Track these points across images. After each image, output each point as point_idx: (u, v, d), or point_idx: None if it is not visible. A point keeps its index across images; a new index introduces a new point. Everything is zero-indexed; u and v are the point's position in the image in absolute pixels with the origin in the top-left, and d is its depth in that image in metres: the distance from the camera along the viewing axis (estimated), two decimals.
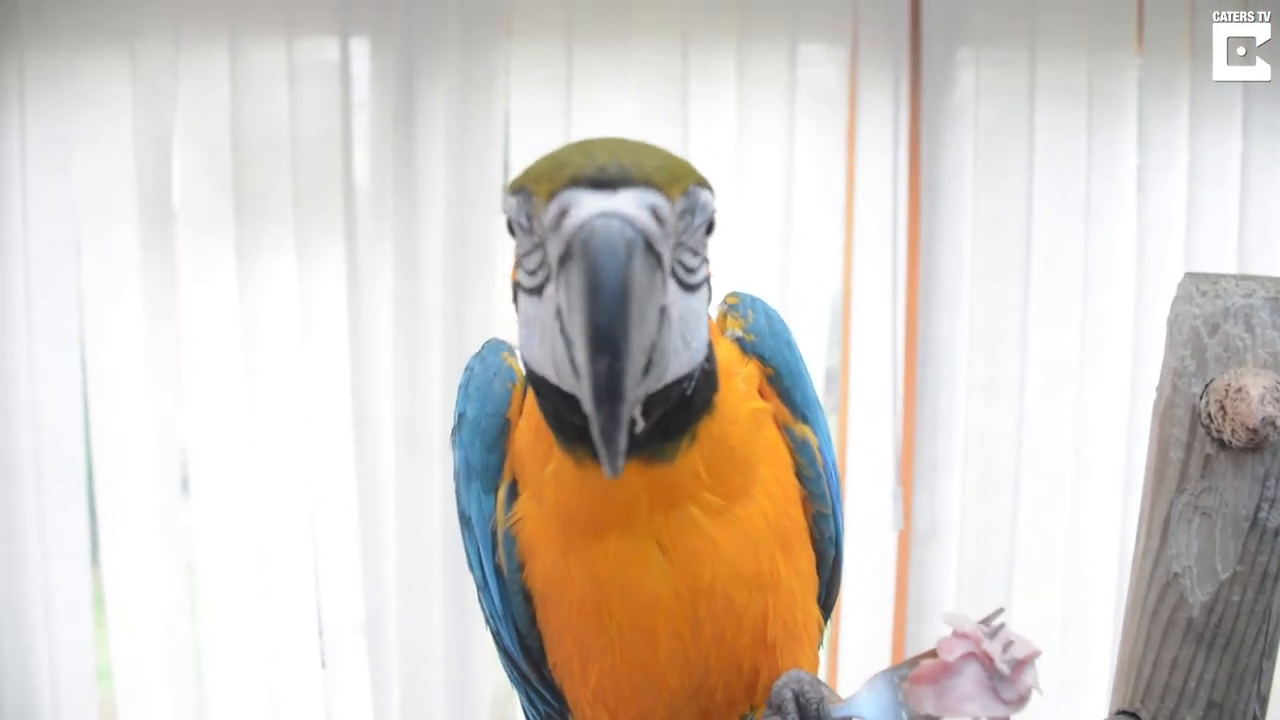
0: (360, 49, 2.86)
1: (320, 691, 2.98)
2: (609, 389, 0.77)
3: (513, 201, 0.86)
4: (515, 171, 2.70)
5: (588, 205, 0.78)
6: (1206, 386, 1.10)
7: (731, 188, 2.88)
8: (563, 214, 0.79)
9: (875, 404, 3.03)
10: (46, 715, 2.88)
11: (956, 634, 0.98)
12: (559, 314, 0.81)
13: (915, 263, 3.06)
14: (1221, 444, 1.09)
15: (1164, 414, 1.15)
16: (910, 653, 3.18)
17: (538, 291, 0.85)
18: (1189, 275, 1.15)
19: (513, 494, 1.05)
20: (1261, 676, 1.15)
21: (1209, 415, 1.09)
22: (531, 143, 2.85)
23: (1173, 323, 1.15)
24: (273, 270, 2.85)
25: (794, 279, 2.94)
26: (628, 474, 0.86)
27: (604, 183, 0.79)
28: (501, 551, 1.06)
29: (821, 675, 3.33)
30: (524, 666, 1.12)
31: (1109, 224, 3.06)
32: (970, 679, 0.95)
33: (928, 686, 0.96)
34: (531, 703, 1.18)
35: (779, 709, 1.00)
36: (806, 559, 1.12)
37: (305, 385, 2.89)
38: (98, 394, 2.83)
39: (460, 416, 1.08)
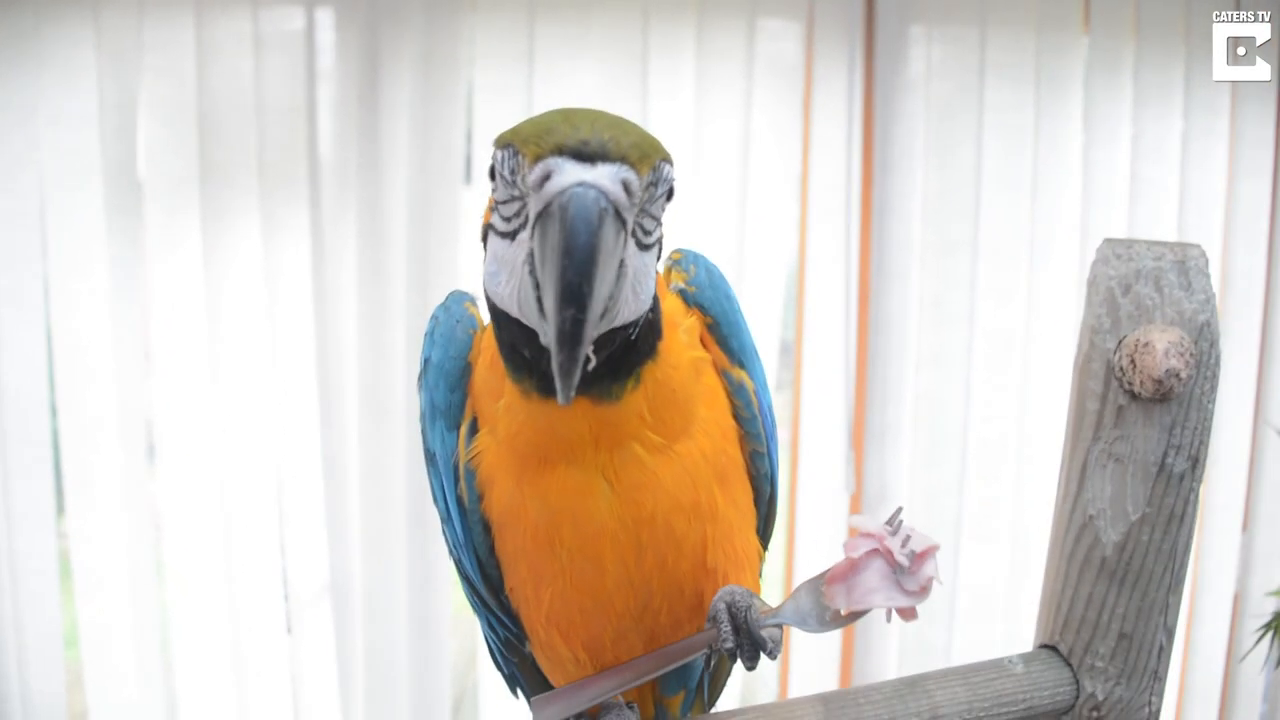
0: (325, 19, 2.87)
1: (286, 656, 3.02)
2: (572, 334, 0.86)
3: (500, 154, 0.95)
4: (479, 141, 2.73)
5: (569, 173, 0.88)
6: (1119, 342, 1.18)
7: (689, 160, 2.94)
8: (546, 177, 0.88)
9: (828, 373, 3.12)
10: (13, 681, 2.90)
11: (861, 534, 1.05)
12: (530, 259, 0.91)
13: (867, 236, 3.14)
14: (1132, 395, 1.18)
15: (1082, 368, 1.23)
16: None
17: (510, 236, 0.95)
18: (1107, 240, 1.23)
19: (473, 431, 1.14)
20: (1168, 610, 1.24)
21: (1121, 369, 1.17)
22: (494, 113, 2.89)
23: (1091, 284, 1.24)
24: (238, 239, 2.86)
25: (749, 251, 3.01)
26: (576, 411, 0.99)
27: (585, 155, 0.88)
28: (463, 484, 1.15)
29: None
30: (484, 592, 1.20)
31: (1054, 199, 3.15)
32: (875, 573, 1.01)
33: (839, 585, 1.03)
34: (491, 627, 1.27)
35: (714, 619, 1.07)
36: (744, 493, 1.20)
37: (270, 353, 2.92)
38: (64, 362, 2.84)
39: (426, 361, 1.17)
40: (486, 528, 1.16)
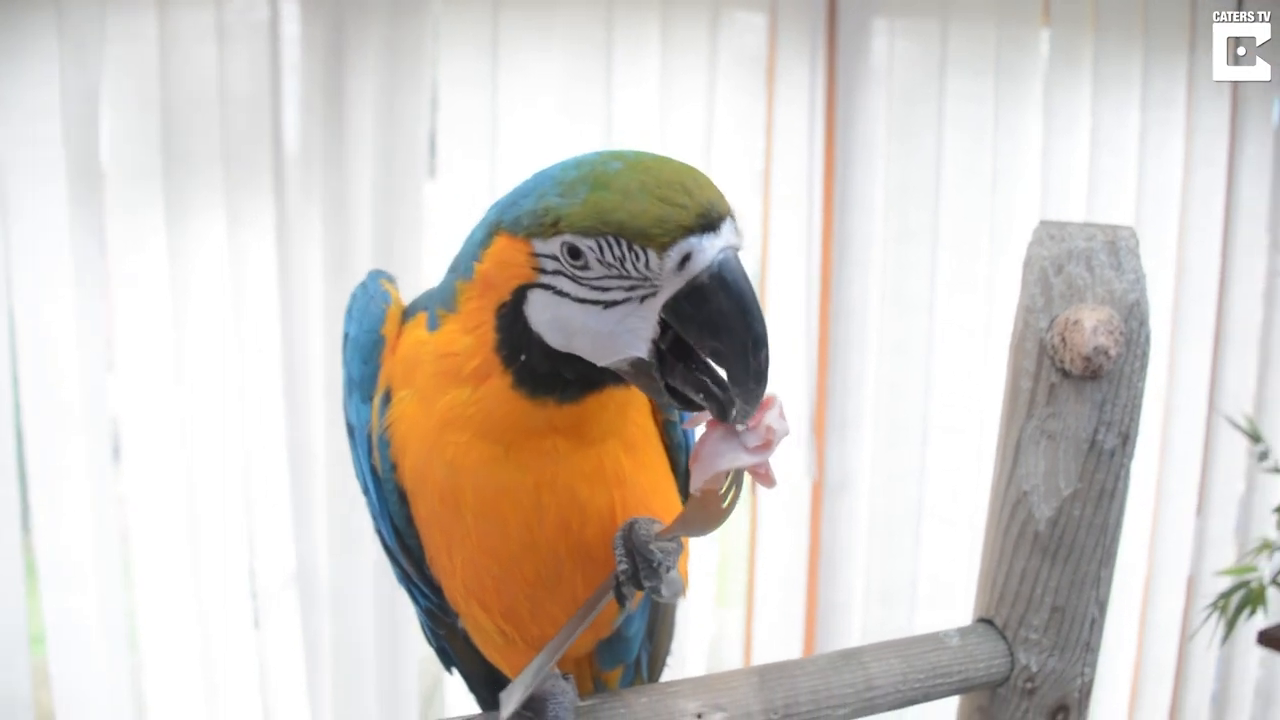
0: (290, 10, 2.85)
1: (253, 650, 3.01)
2: (767, 367, 0.97)
3: (595, 243, 0.97)
4: (444, 133, 2.73)
5: (709, 247, 0.95)
6: (1052, 321, 1.22)
7: (653, 151, 2.94)
8: (686, 258, 0.95)
9: (790, 361, 3.14)
10: None
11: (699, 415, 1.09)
12: (667, 322, 0.98)
13: (829, 225, 3.17)
14: (1064, 373, 1.21)
15: (1016, 347, 1.27)
16: (823, 599, 3.32)
17: (604, 304, 0.99)
18: (1042, 222, 1.26)
19: (386, 403, 1.17)
20: (1099, 584, 1.28)
21: (1053, 347, 1.21)
22: (459, 105, 2.90)
23: (1026, 264, 1.27)
24: (202, 231, 2.84)
25: None
26: (548, 408, 1.06)
27: (712, 224, 0.95)
28: (377, 454, 1.18)
29: (738, 622, 3.44)
30: (404, 562, 1.25)
31: (1014, 189, 3.19)
32: (716, 439, 1.03)
33: (694, 465, 1.04)
34: (415, 599, 1.31)
35: (614, 551, 1.10)
36: (657, 461, 1.23)
37: (236, 345, 2.89)
38: (26, 359, 2.79)
39: (345, 336, 1.21)
40: (403, 497, 1.19)
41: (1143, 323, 1.21)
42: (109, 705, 2.90)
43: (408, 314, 1.20)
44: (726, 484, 1.05)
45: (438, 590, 1.25)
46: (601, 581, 1.12)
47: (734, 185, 3.04)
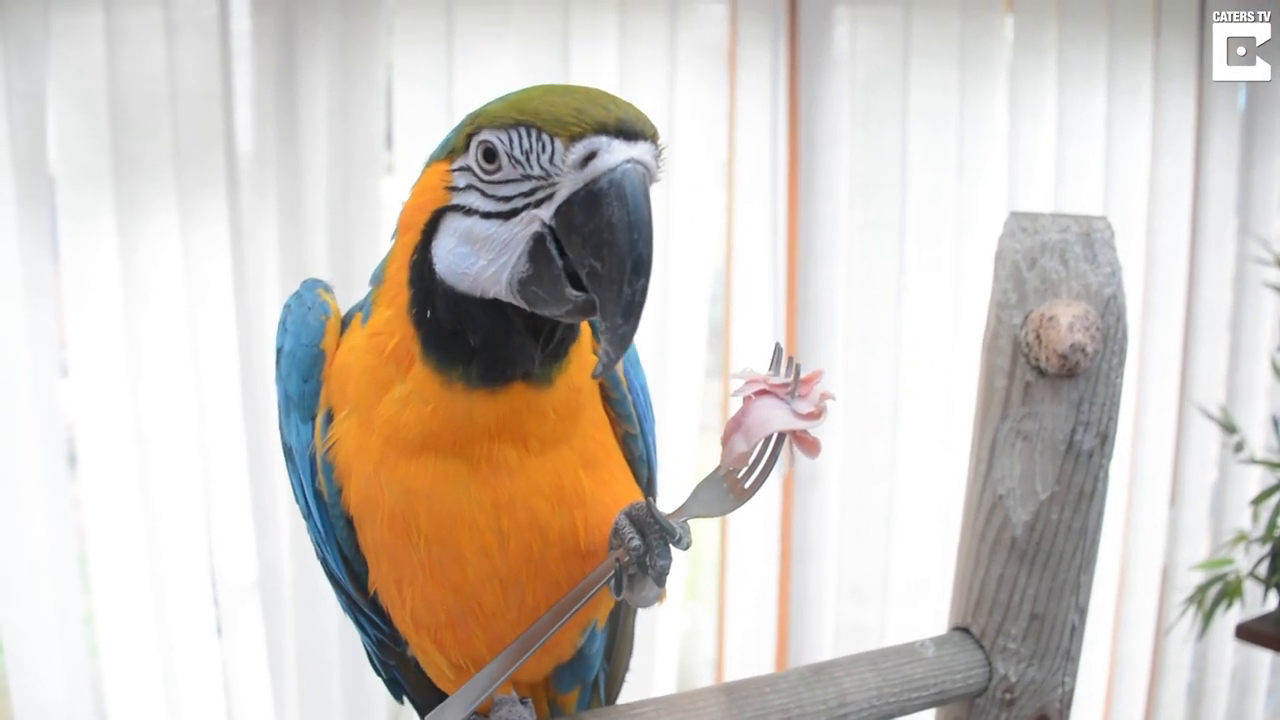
0: (240, 4, 2.79)
1: (217, 659, 2.95)
2: (641, 302, 0.90)
3: (506, 135, 0.94)
4: (400, 128, 2.68)
5: (618, 151, 0.91)
6: (1025, 318, 1.17)
7: None
8: (590, 155, 0.90)
9: (758, 356, 3.09)
10: None
11: (748, 381, 1.05)
12: (543, 238, 0.93)
13: (794, 216, 3.13)
14: (1040, 371, 1.16)
15: (989, 345, 1.22)
16: (795, 593, 3.28)
17: (504, 216, 0.94)
18: (1013, 214, 1.21)
19: (329, 422, 1.09)
20: (1079, 590, 1.23)
21: (1028, 344, 1.16)
22: (413, 99, 2.84)
23: (998, 258, 1.22)
24: (155, 232, 2.77)
25: (676, 235, 2.98)
26: (500, 399, 0.99)
27: (627, 133, 0.91)
28: (321, 477, 1.10)
29: (710, 618, 3.40)
30: (352, 592, 1.16)
31: (980, 178, 3.17)
32: (768, 406, 1.00)
33: (736, 433, 1.01)
34: (363, 629, 1.22)
35: (615, 533, 1.04)
36: (619, 476, 1.16)
37: (192, 349, 2.83)
38: None
39: (279, 351, 1.13)
40: (349, 522, 1.11)
41: (1119, 317, 1.17)
42: (69, 713, 2.84)
43: (345, 322, 1.13)
44: (754, 457, 1.02)
45: (387, 619, 1.17)
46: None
47: (697, 177, 3.01)
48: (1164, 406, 3.47)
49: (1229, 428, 3.03)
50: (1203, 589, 2.86)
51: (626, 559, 1.01)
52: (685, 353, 3.04)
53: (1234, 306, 3.53)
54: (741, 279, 3.10)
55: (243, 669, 2.97)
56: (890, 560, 3.26)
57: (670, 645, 3.19)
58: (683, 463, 3.03)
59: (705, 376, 3.13)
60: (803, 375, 1.02)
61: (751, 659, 3.27)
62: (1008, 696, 1.23)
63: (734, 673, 3.26)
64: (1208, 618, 2.86)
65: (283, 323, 1.13)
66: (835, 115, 3.10)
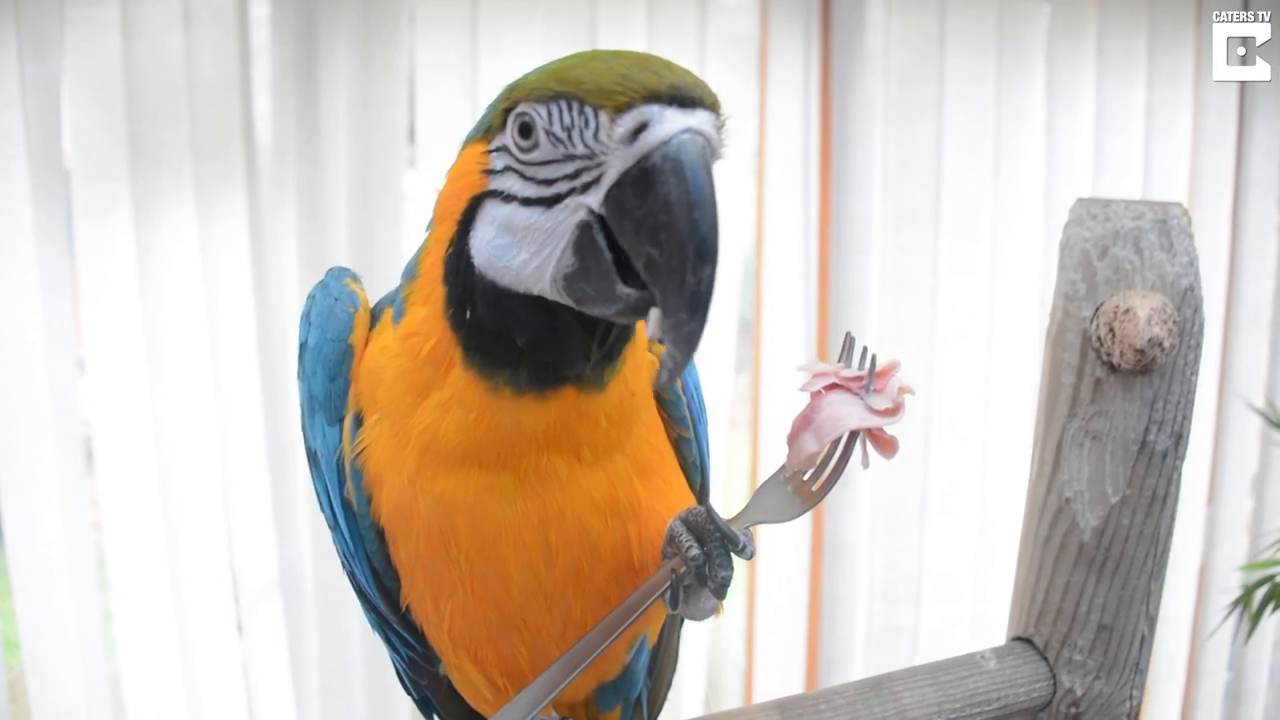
0: None
1: (237, 655, 2.92)
2: (708, 294, 0.78)
3: (543, 110, 0.83)
4: (422, 118, 2.63)
5: (673, 121, 0.79)
6: (1096, 310, 1.10)
7: None
8: (641, 127, 0.79)
9: (788, 351, 3.04)
10: None
11: (815, 375, 0.97)
12: (589, 227, 0.82)
13: (826, 210, 3.07)
14: (1111, 367, 1.09)
15: (1056, 339, 1.15)
16: (827, 592, 3.22)
17: (547, 202, 0.84)
18: (1080, 200, 1.14)
19: (358, 425, 1.01)
20: (1150, 598, 1.16)
21: (1099, 339, 1.09)
22: (437, 89, 2.79)
23: (1064, 246, 1.15)
24: (172, 224, 2.74)
25: None
26: (551, 405, 0.90)
27: (682, 100, 0.80)
28: (350, 485, 1.02)
29: (739, 616, 3.35)
30: (382, 608, 1.09)
31: (1017, 170, 3.10)
32: (840, 401, 0.93)
33: (805, 432, 0.94)
34: (394, 647, 1.15)
35: (671, 540, 0.96)
36: (674, 483, 1.09)
37: (211, 345, 2.80)
38: None
39: (302, 346, 1.05)
40: (380, 534, 1.03)
41: (1196, 310, 1.09)
42: (88, 713, 2.82)
43: (375, 315, 1.05)
44: (822, 458, 0.94)
45: (421, 637, 1.09)
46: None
47: (726, 169, 2.94)
48: (1204, 401, 3.39)
49: (1277, 423, 2.94)
50: (1250, 590, 2.78)
51: (683, 569, 0.93)
52: (714, 346, 2.98)
53: (1275, 299, 3.45)
54: (772, 272, 3.05)
55: (264, 668, 2.94)
56: (924, 560, 3.20)
57: (698, 648, 3.13)
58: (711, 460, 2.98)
59: (735, 370, 3.07)
60: (878, 367, 0.94)
61: (780, 660, 3.21)
62: (1073, 711, 1.17)
63: (762, 675, 3.21)
64: (1255, 619, 2.77)
65: (306, 315, 1.05)
66: (868, 107, 3.03)
